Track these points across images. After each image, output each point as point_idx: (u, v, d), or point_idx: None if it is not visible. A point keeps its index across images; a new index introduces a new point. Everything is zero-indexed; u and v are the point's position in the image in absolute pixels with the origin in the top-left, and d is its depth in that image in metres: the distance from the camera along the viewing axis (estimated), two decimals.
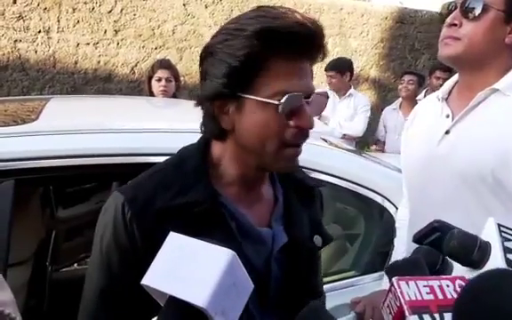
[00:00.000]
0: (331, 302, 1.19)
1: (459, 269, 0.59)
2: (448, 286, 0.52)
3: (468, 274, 0.56)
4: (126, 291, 0.79)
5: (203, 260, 0.56)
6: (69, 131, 1.49)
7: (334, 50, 6.49)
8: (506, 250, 0.55)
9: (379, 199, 1.66)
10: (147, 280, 0.58)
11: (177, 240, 0.60)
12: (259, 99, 0.75)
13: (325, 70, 4.19)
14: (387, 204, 1.66)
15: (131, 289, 0.77)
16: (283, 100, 0.74)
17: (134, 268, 0.76)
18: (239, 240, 0.81)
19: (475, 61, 1.20)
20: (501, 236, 0.57)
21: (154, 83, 2.98)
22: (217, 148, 0.85)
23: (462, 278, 0.53)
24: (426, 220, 1.34)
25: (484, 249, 0.56)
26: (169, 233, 0.62)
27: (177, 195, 0.80)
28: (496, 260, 0.55)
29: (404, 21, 6.85)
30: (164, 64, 3.06)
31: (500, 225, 0.58)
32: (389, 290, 0.53)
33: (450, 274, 0.59)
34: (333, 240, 0.98)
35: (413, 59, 6.97)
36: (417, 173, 1.39)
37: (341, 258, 1.83)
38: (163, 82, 2.93)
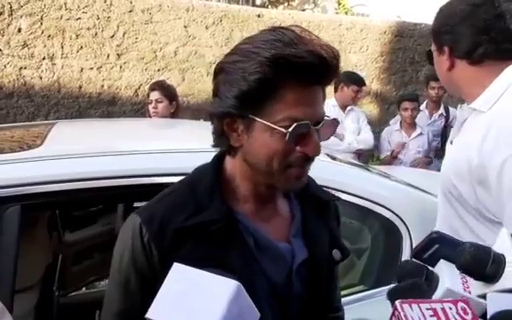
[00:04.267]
0: None
1: (472, 284, 0.57)
2: (451, 309, 0.52)
3: (483, 288, 0.55)
4: (145, 312, 0.80)
5: (207, 291, 0.56)
6: (74, 155, 1.50)
7: None
8: None
9: (385, 213, 1.65)
10: (151, 313, 0.58)
11: (181, 271, 0.60)
12: (267, 123, 0.76)
13: None
14: (393, 218, 1.65)
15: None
16: (290, 129, 0.75)
17: (153, 290, 0.79)
18: (256, 256, 0.81)
19: (450, 90, 1.39)
20: None
21: (148, 106, 3.06)
22: (229, 165, 0.86)
23: (464, 300, 0.53)
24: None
25: (499, 262, 0.55)
26: (174, 263, 0.61)
27: (192, 214, 0.80)
28: None
29: (403, 35, 6.90)
30: (154, 86, 3.15)
31: None
32: (393, 313, 0.53)
33: (436, 286, 0.58)
34: (350, 254, 0.97)
35: (414, 71, 7.00)
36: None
37: (349, 272, 1.81)
38: (153, 104, 3.01)
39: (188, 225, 0.79)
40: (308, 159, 0.80)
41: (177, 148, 1.68)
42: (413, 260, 0.64)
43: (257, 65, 0.73)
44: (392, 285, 0.58)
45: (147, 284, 0.80)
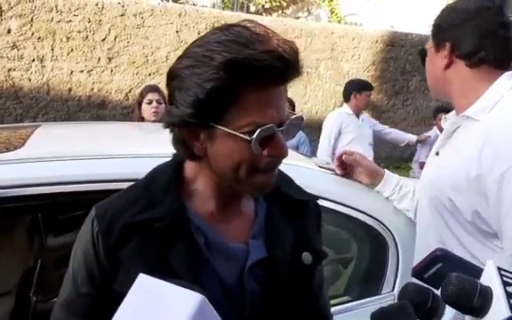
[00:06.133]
0: None
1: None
2: None
3: None
4: (89, 305, 0.81)
5: (171, 304, 0.54)
6: (55, 157, 1.47)
7: (327, 73, 6.57)
8: (509, 295, 0.52)
9: (370, 222, 1.63)
10: None
11: (146, 282, 0.58)
12: (229, 131, 0.72)
13: None
14: (379, 227, 1.63)
15: (94, 304, 0.81)
16: (254, 136, 0.71)
17: (99, 285, 0.80)
18: (206, 255, 0.80)
19: (438, 92, 1.34)
20: (502, 280, 0.54)
21: (145, 106, 3.06)
22: (191, 167, 0.85)
23: None
24: (417, 241, 1.31)
25: (485, 295, 0.53)
26: (139, 274, 0.60)
27: (142, 210, 0.79)
28: (500, 307, 0.51)
29: (395, 44, 6.96)
30: (153, 88, 3.20)
31: (499, 268, 0.55)
32: None
33: (443, 312, 0.55)
34: (327, 257, 0.93)
35: (405, 80, 7.05)
36: (419, 193, 1.42)
37: (334, 283, 1.79)
38: (154, 104, 3.03)
39: (136, 221, 0.78)
40: (276, 162, 0.78)
41: (165, 153, 1.65)
42: (416, 281, 0.60)
43: (212, 71, 0.69)
44: (377, 308, 0.54)
45: (93, 279, 0.80)
